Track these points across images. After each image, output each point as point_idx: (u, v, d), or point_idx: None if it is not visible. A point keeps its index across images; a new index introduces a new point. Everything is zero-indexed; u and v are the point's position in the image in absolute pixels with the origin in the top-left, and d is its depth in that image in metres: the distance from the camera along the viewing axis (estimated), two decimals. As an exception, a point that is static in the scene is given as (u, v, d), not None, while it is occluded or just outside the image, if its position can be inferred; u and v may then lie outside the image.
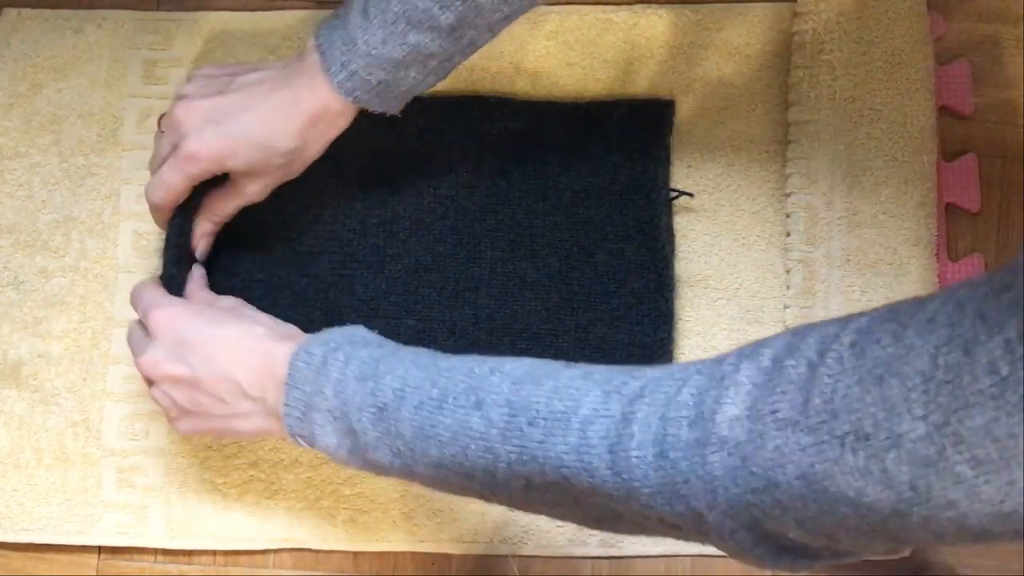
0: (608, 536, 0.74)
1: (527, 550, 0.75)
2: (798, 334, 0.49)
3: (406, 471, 0.60)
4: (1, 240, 0.79)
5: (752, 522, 0.48)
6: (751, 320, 0.77)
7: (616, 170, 0.77)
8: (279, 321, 0.67)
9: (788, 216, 0.77)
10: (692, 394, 0.50)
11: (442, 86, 0.80)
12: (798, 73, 0.78)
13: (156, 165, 0.70)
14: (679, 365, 0.53)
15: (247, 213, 0.77)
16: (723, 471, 0.48)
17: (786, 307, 0.76)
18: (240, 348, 0.64)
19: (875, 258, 0.75)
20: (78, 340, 0.77)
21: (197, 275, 0.72)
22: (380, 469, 0.60)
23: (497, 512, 0.75)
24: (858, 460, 0.44)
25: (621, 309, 0.76)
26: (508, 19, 0.66)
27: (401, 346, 0.62)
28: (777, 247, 0.77)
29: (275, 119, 0.67)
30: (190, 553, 0.76)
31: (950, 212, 0.79)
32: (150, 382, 0.66)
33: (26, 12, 0.81)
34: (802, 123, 0.77)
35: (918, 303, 0.45)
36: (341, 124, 0.69)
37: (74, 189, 0.79)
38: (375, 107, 0.68)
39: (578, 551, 0.75)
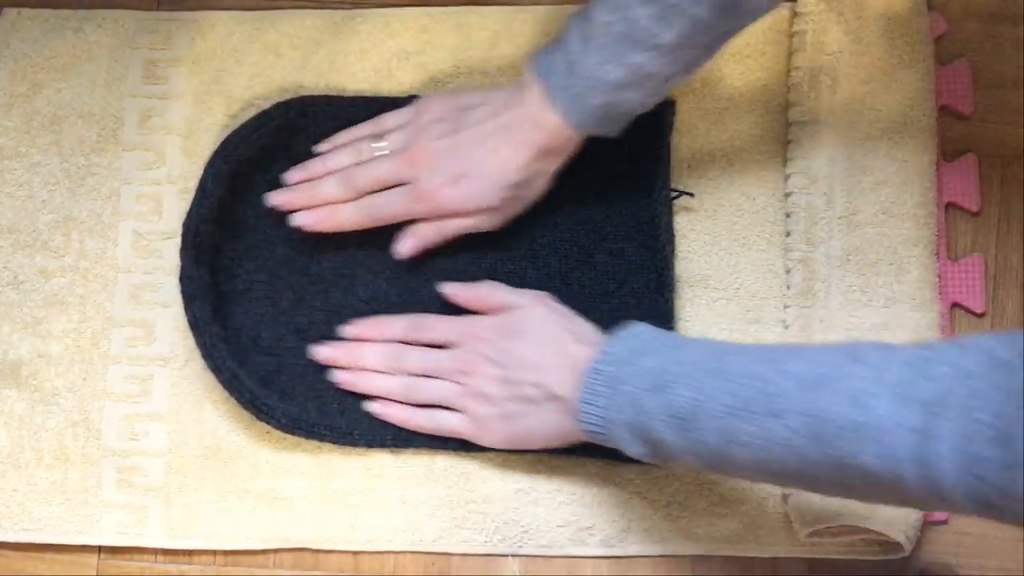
0: (609, 536, 0.74)
1: (527, 550, 0.75)
2: None
3: (715, 471, 0.65)
4: (1, 240, 0.79)
5: None
6: (751, 320, 0.77)
7: (616, 170, 0.77)
8: (585, 324, 0.71)
9: (788, 216, 0.77)
10: (991, 412, 0.50)
11: (443, 86, 0.80)
12: (798, 73, 0.78)
13: (363, 183, 0.74)
14: (968, 364, 0.52)
15: (248, 214, 0.77)
16: None
17: (786, 307, 0.76)
18: (551, 352, 0.68)
19: (875, 258, 0.75)
20: (78, 340, 0.77)
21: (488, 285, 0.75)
22: (689, 468, 0.64)
23: (497, 512, 0.75)
24: None
25: (621, 309, 0.76)
26: (728, 35, 0.67)
27: (682, 342, 0.65)
28: (777, 247, 0.77)
29: (503, 158, 0.70)
30: (190, 553, 0.76)
31: (950, 212, 0.79)
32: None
33: (26, 12, 0.81)
34: (802, 123, 0.77)
35: None
36: (567, 151, 0.72)
37: (74, 189, 0.79)
38: (597, 130, 0.70)
39: (579, 551, 0.75)
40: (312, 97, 0.78)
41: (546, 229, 0.77)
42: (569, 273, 0.76)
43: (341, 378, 0.75)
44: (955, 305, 0.77)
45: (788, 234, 0.77)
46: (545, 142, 0.70)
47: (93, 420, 0.77)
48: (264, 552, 0.76)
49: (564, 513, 0.75)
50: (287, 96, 0.79)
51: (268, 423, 0.74)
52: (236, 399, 0.73)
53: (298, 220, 0.76)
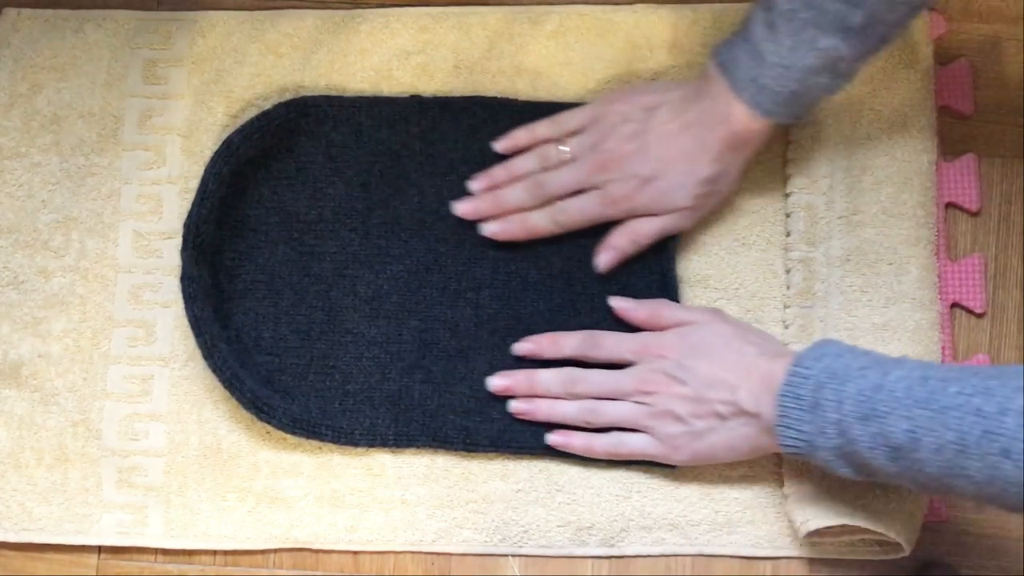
0: (608, 536, 0.74)
1: (527, 550, 0.75)
2: None
3: (932, 494, 0.65)
4: (1, 240, 0.79)
5: None
6: (751, 320, 0.77)
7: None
8: (764, 335, 0.71)
9: (788, 216, 0.77)
10: None
11: (443, 86, 0.80)
12: (798, 73, 0.78)
13: (551, 190, 0.73)
14: None
15: (249, 214, 0.77)
16: None
17: (786, 307, 0.76)
18: (736, 368, 0.67)
19: (875, 258, 0.75)
20: (78, 340, 0.77)
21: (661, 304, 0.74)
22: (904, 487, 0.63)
23: (497, 512, 0.75)
24: None
25: (622, 309, 0.76)
26: (918, 9, 0.66)
27: (879, 363, 0.62)
28: (777, 247, 0.77)
29: (693, 155, 0.70)
30: (190, 553, 0.76)
31: (950, 212, 0.79)
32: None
33: (26, 12, 0.81)
34: (802, 123, 0.77)
35: None
36: (756, 142, 0.71)
37: (74, 189, 0.79)
38: (786, 118, 0.69)
39: (578, 551, 0.75)
40: (313, 97, 0.78)
41: (547, 229, 0.77)
42: (571, 274, 0.76)
43: (517, 408, 0.73)
44: (955, 305, 0.77)
45: (788, 234, 0.77)
46: (734, 134, 0.70)
47: (93, 420, 0.77)
48: (264, 552, 0.76)
49: (564, 513, 0.75)
50: (287, 96, 0.79)
51: (269, 423, 0.74)
52: (237, 399, 0.73)
53: (489, 230, 0.75)
